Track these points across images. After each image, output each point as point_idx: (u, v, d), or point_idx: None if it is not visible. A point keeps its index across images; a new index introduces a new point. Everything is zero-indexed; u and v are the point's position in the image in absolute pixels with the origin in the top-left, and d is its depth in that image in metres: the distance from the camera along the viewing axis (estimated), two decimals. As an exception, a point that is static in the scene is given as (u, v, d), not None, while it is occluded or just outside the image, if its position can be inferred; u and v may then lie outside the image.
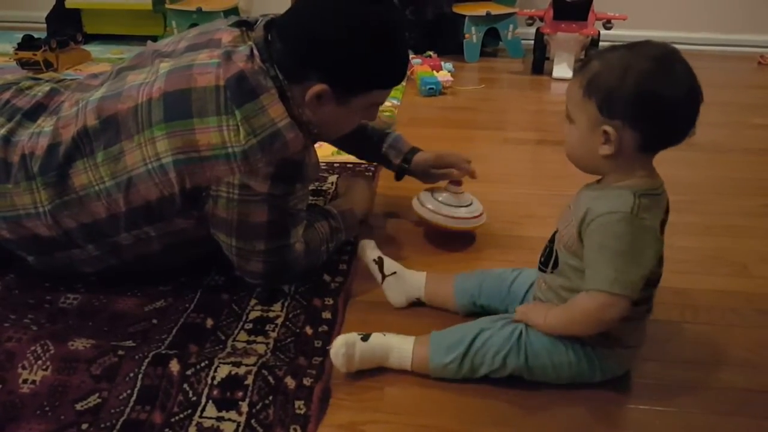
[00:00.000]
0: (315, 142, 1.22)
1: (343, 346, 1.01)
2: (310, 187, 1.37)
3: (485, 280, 1.18)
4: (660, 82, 0.87)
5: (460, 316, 1.18)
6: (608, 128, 0.90)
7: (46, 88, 1.24)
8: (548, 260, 1.04)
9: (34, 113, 1.19)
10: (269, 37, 1.12)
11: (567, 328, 0.98)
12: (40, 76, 1.36)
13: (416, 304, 1.23)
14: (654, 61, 0.87)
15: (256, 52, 1.10)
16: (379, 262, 1.25)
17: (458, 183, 1.43)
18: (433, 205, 1.41)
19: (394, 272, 1.23)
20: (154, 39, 1.27)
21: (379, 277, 1.24)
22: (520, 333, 1.01)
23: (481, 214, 1.44)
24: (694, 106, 0.89)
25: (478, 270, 1.23)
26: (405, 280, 1.23)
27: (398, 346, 1.04)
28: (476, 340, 1.01)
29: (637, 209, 0.90)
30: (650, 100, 0.87)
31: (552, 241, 1.04)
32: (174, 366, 1.01)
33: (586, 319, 0.95)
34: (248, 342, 1.11)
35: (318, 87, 1.09)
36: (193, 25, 3.11)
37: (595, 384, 1.03)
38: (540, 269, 1.06)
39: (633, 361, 1.05)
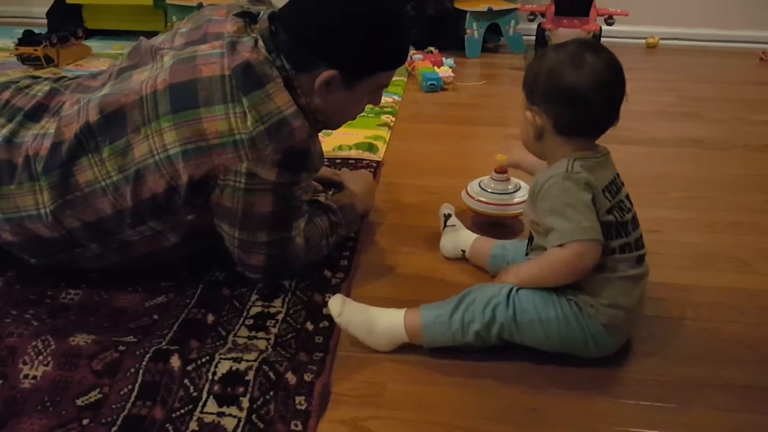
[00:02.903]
0: (320, 131, 1.23)
1: (339, 296, 1.11)
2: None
3: (519, 253, 1.23)
4: (566, 73, 0.99)
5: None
6: (528, 112, 1.05)
7: (45, 87, 1.23)
8: (529, 244, 1.13)
9: (35, 114, 1.18)
10: (273, 29, 1.13)
11: (539, 279, 1.04)
12: (40, 72, 1.35)
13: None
14: (567, 54, 1.00)
15: (261, 43, 1.10)
16: (447, 217, 1.43)
17: (504, 171, 1.45)
18: (484, 196, 1.45)
19: (453, 225, 1.41)
20: (150, 35, 1.26)
21: (442, 226, 1.42)
22: (510, 289, 1.05)
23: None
24: (602, 98, 0.99)
25: (519, 240, 1.34)
26: (458, 234, 1.39)
27: (391, 311, 1.09)
28: (467, 296, 1.06)
29: (571, 167, 1.01)
30: (556, 88, 1.00)
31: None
32: (175, 361, 1.01)
33: (560, 268, 1.01)
34: (249, 338, 1.11)
35: (327, 73, 1.10)
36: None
37: (596, 379, 1.03)
38: (526, 254, 1.15)
39: (623, 331, 1.06)
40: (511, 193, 1.45)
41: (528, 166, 1.34)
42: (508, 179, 1.46)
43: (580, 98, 0.99)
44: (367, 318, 1.08)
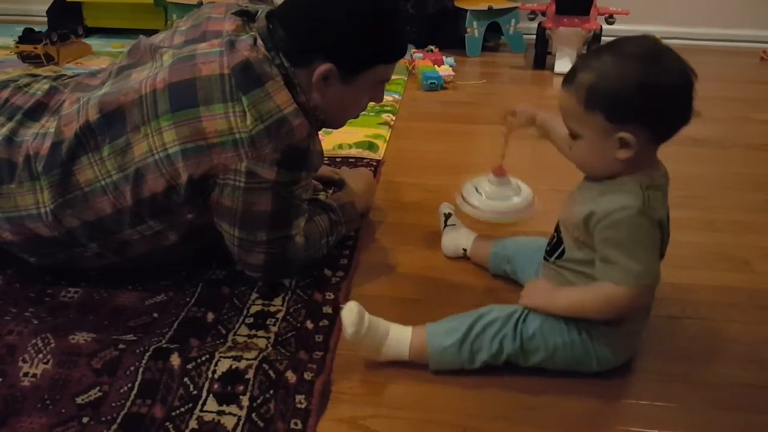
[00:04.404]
0: (320, 129, 1.22)
1: (356, 306, 1.01)
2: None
3: (519, 250, 1.26)
4: (657, 76, 0.88)
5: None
6: (625, 135, 0.90)
7: (45, 86, 1.23)
8: (554, 250, 1.05)
9: (35, 112, 1.18)
10: (271, 27, 1.13)
11: (581, 311, 1.00)
12: (39, 70, 1.35)
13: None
14: (643, 58, 0.89)
15: (260, 41, 1.10)
16: (447, 216, 1.42)
17: (503, 173, 1.30)
18: (481, 202, 1.29)
19: (454, 224, 1.40)
20: (150, 33, 1.26)
21: (442, 226, 1.41)
22: (518, 318, 1.02)
23: (533, 199, 1.32)
24: (690, 85, 0.90)
25: (520, 237, 1.32)
26: (459, 232, 1.38)
27: (396, 330, 1.05)
28: (475, 324, 1.02)
29: (648, 202, 0.93)
30: (655, 95, 0.88)
31: (557, 230, 1.06)
32: (175, 360, 1.01)
33: (613, 306, 0.96)
34: (249, 336, 1.11)
35: (324, 67, 1.10)
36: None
37: (596, 379, 1.03)
38: (545, 258, 1.08)
39: (628, 352, 1.05)
40: (512, 197, 1.31)
41: (545, 126, 1.22)
42: (508, 182, 1.32)
43: (678, 95, 0.90)
44: (377, 341, 1.03)
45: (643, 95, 0.88)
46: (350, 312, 1.00)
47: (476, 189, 1.32)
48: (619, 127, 0.91)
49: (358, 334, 1.00)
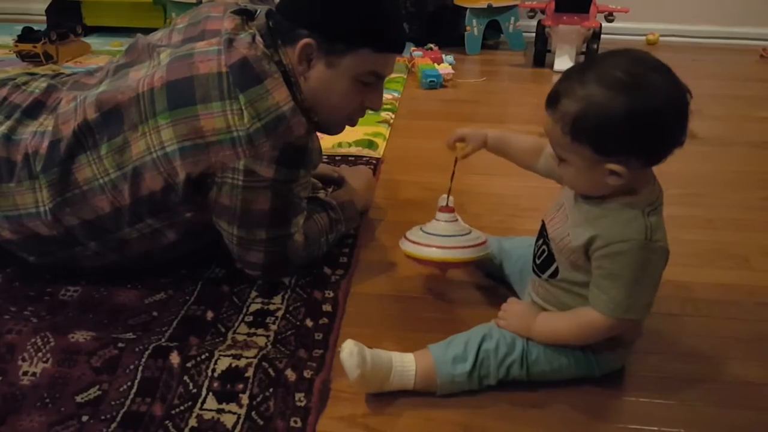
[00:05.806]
0: (316, 131, 1.21)
1: (355, 347, 0.94)
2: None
3: (506, 260, 1.22)
4: (647, 102, 0.82)
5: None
6: (614, 167, 0.86)
7: (43, 84, 1.23)
8: (545, 266, 1.01)
9: (33, 111, 1.18)
10: (270, 24, 1.13)
11: (562, 339, 0.99)
12: (38, 69, 1.35)
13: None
14: (630, 84, 0.82)
15: (258, 38, 1.10)
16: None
17: (451, 210, 1.22)
18: (438, 240, 1.18)
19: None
20: (149, 32, 1.26)
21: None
22: (523, 346, 1.00)
23: (485, 241, 1.22)
24: (684, 106, 0.85)
25: (507, 242, 1.26)
26: None
27: (398, 359, 0.99)
28: (480, 352, 0.99)
29: (650, 233, 0.89)
30: (644, 123, 0.83)
31: (546, 243, 1.01)
32: (174, 358, 1.01)
33: (592, 334, 0.96)
34: (248, 334, 1.11)
35: (304, 41, 1.08)
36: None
37: (595, 378, 1.02)
38: (535, 272, 1.05)
39: (629, 356, 1.05)
40: (467, 234, 1.20)
41: (501, 144, 1.16)
42: (456, 219, 1.22)
43: (672, 115, 0.84)
44: (381, 374, 0.97)
45: (632, 126, 0.82)
46: (350, 356, 0.93)
47: (422, 230, 1.22)
48: (607, 159, 0.86)
49: (364, 375, 0.94)
